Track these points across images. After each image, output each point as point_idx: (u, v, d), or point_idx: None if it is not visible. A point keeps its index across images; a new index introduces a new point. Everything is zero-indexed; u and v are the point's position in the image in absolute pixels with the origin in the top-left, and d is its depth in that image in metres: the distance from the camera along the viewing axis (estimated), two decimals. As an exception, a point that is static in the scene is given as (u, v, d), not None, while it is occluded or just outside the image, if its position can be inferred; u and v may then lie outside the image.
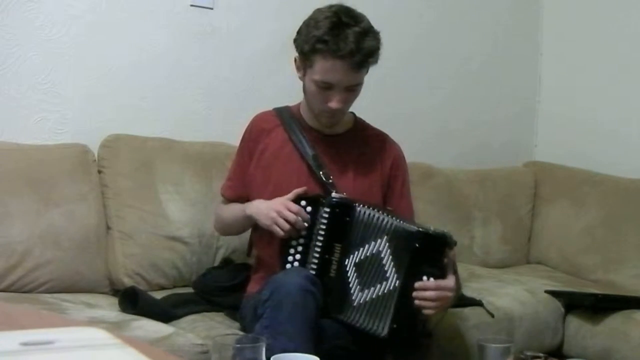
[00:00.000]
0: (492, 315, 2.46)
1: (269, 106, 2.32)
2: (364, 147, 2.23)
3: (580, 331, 2.63)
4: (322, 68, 2.03)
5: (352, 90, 2.09)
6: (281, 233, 2.02)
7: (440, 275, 1.98)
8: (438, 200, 3.11)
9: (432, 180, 3.14)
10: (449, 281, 2.00)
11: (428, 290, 1.96)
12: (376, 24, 3.14)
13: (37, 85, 2.48)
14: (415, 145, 3.22)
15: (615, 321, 2.56)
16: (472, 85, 3.51)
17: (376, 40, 2.06)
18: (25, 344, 0.85)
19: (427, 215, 2.96)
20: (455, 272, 2.05)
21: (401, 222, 2.02)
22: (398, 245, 2.00)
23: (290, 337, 1.80)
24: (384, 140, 2.28)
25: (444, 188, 3.15)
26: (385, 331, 1.99)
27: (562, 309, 2.67)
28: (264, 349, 1.49)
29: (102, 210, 2.42)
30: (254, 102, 2.61)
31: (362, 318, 2.01)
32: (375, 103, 3.14)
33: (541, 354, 2.30)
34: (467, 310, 2.44)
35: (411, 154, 3.07)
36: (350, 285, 2.01)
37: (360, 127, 2.28)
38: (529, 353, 2.29)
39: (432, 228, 2.02)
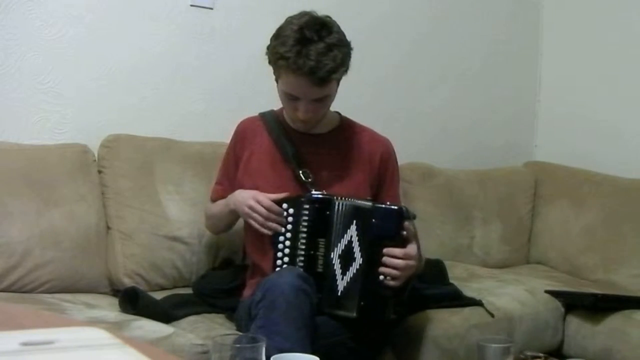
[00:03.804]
0: (492, 315, 2.45)
1: (268, 106, 2.33)
2: (350, 144, 2.25)
3: (580, 331, 2.63)
4: (286, 82, 2.06)
5: (319, 101, 2.09)
6: (256, 225, 2.07)
7: (401, 247, 2.02)
8: (438, 200, 3.11)
9: (432, 180, 3.14)
10: (411, 249, 2.03)
11: (396, 257, 1.99)
12: (376, 24, 3.18)
13: (37, 85, 2.48)
14: (415, 145, 3.23)
15: (615, 321, 2.56)
16: (472, 86, 3.51)
17: (342, 54, 2.04)
18: (25, 344, 0.85)
19: (427, 215, 2.96)
20: (417, 243, 2.08)
21: (362, 201, 2.06)
22: (362, 225, 2.03)
23: (286, 337, 1.81)
24: (371, 136, 2.29)
25: (444, 188, 3.15)
26: (355, 311, 2.01)
27: (562, 309, 2.66)
28: (263, 349, 1.48)
29: (102, 210, 2.42)
30: (254, 102, 2.61)
31: (342, 306, 2.03)
32: (375, 103, 3.16)
33: (541, 354, 2.30)
34: (467, 310, 2.44)
35: (411, 154, 3.09)
36: (336, 278, 2.04)
37: (346, 126, 2.29)
38: (529, 353, 2.29)
39: (387, 203, 2.07)
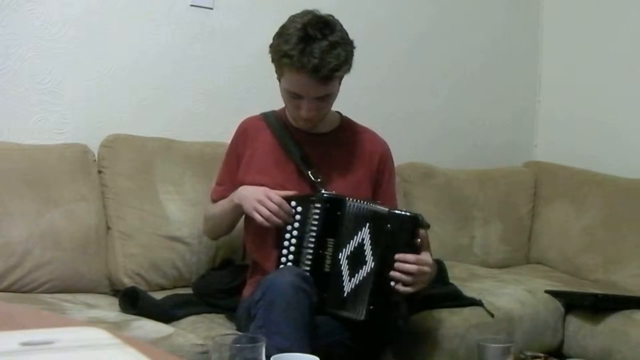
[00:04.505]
0: (492, 315, 2.45)
1: (268, 106, 2.33)
2: (351, 144, 2.25)
3: (580, 331, 2.63)
4: (290, 80, 2.06)
5: (322, 99, 2.10)
6: (260, 218, 2.05)
7: (413, 253, 2.01)
8: (438, 200, 3.11)
9: (432, 180, 3.14)
10: (426, 256, 2.03)
11: (408, 262, 1.98)
12: (376, 24, 3.18)
13: (37, 85, 2.48)
14: (415, 145, 3.23)
15: (615, 321, 2.56)
16: (472, 86, 3.50)
17: (345, 52, 2.05)
18: (25, 344, 0.85)
19: (427, 215, 2.92)
20: (429, 253, 2.07)
21: (378, 206, 2.06)
22: (375, 229, 2.03)
23: (285, 336, 1.81)
24: (371, 137, 2.30)
25: (444, 188, 3.15)
26: (363, 314, 2.00)
27: (562, 309, 2.66)
28: (263, 349, 1.48)
29: (102, 210, 2.42)
30: (254, 102, 2.61)
31: (347, 306, 2.02)
32: (375, 103, 3.16)
33: (541, 354, 2.30)
34: (467, 310, 2.44)
35: (411, 154, 3.09)
36: (343, 278, 2.04)
37: (346, 126, 2.29)
38: (529, 353, 2.29)
39: (404, 210, 2.08)
